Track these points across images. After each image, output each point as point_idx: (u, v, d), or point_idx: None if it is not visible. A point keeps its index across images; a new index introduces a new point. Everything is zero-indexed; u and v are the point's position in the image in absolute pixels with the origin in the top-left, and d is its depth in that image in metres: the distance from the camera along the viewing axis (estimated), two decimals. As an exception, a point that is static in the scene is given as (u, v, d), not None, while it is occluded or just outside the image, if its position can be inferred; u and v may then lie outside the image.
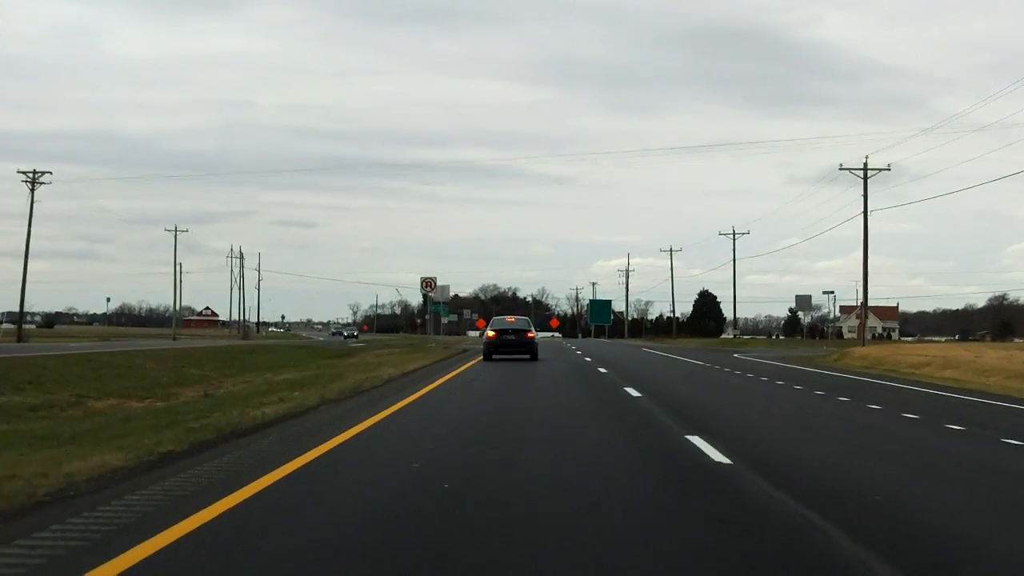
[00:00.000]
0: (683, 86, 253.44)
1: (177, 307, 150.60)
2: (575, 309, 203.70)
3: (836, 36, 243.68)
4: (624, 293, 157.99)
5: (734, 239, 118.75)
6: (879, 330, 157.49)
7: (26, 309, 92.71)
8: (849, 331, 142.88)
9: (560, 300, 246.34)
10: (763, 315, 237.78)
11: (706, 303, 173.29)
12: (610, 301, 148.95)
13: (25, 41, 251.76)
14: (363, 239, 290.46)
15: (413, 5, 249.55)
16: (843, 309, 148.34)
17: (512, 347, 43.52)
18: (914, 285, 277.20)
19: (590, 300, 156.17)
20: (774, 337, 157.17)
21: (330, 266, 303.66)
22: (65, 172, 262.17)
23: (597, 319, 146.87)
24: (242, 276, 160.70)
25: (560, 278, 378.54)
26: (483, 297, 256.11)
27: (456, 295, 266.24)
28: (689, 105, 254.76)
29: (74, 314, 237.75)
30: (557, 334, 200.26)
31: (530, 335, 44.13)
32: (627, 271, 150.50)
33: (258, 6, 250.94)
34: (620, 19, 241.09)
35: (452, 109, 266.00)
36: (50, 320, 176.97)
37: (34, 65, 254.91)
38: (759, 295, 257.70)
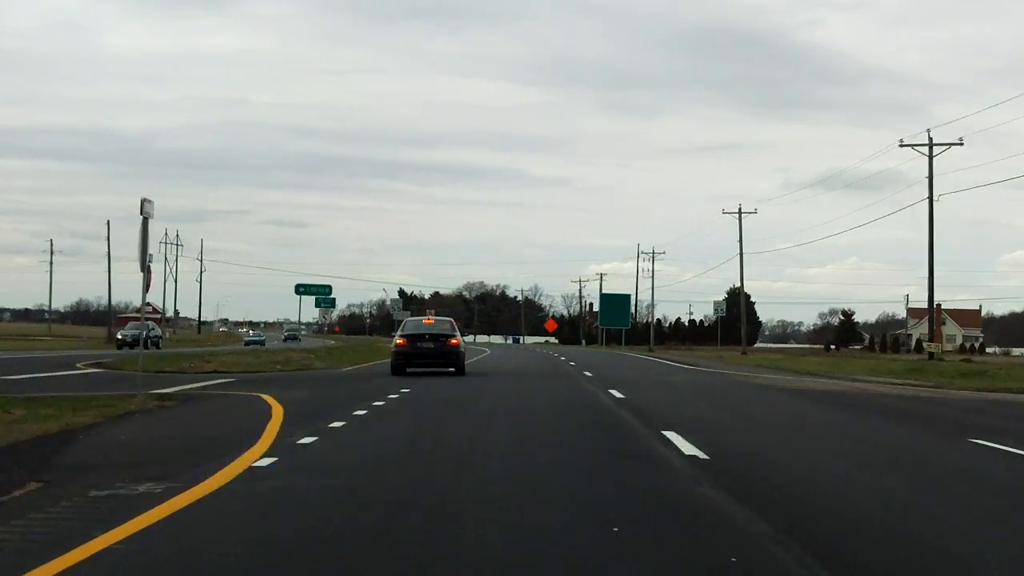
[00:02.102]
0: (682, 88, 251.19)
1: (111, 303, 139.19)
2: (578, 308, 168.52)
3: (837, 39, 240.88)
4: (633, 292, 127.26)
5: (740, 223, 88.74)
6: (959, 339, 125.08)
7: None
8: (924, 340, 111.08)
9: (555, 300, 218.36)
10: (793, 319, 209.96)
11: (737, 304, 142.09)
12: (628, 296, 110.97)
13: (19, 35, 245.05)
14: (356, 239, 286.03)
15: (412, 3, 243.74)
16: (912, 312, 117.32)
17: (429, 358, 32.44)
18: (1006, 286, 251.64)
19: (601, 295, 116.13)
20: (830, 349, 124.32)
21: (322, 267, 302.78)
22: (57, 168, 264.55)
23: (610, 320, 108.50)
24: (201, 265, 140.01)
25: (554, 280, 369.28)
26: (467, 295, 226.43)
27: (437, 293, 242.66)
28: (688, 108, 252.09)
29: (44, 311, 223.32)
30: (552, 339, 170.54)
31: (454, 341, 32.90)
32: (652, 259, 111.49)
33: (255, 2, 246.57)
34: (620, 20, 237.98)
35: (449, 109, 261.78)
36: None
37: (28, 59, 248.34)
38: (788, 294, 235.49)
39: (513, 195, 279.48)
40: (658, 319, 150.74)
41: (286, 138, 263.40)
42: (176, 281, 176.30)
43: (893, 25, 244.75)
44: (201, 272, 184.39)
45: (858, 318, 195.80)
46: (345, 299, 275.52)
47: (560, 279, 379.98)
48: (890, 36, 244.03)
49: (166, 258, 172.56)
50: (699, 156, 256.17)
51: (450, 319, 38.40)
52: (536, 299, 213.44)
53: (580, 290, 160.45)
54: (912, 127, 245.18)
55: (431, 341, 32.95)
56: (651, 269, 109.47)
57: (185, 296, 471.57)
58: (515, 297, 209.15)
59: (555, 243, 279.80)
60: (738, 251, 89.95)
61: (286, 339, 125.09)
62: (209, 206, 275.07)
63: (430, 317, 38.90)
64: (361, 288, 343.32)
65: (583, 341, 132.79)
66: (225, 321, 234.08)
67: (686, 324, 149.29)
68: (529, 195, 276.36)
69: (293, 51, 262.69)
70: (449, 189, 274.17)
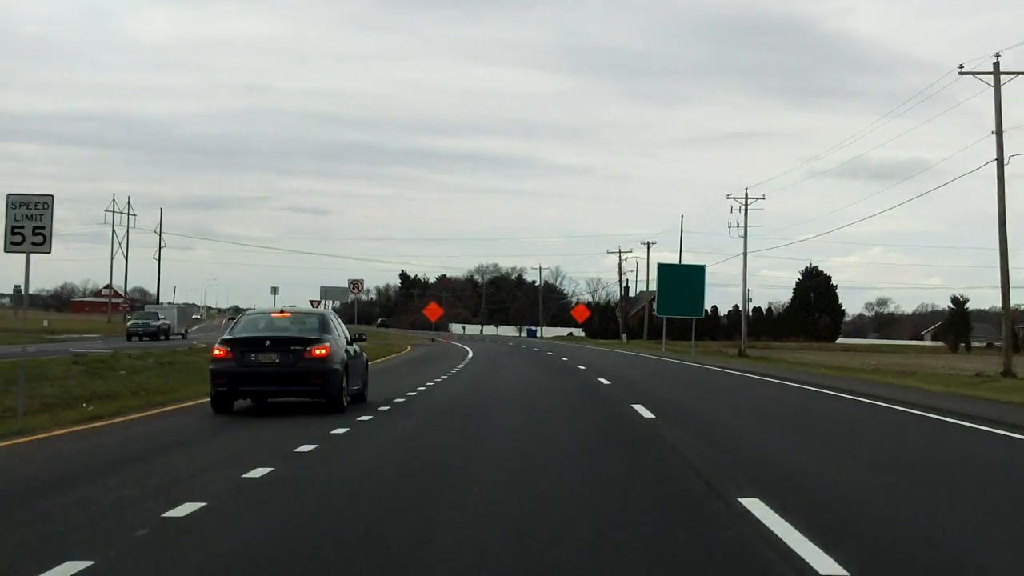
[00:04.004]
0: (708, 76, 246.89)
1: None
2: (618, 289, 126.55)
3: (867, 28, 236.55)
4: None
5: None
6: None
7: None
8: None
9: (579, 287, 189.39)
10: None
11: (815, 287, 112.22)
12: (701, 269, 71.94)
13: (44, 21, 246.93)
14: (376, 227, 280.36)
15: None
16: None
17: (272, 381, 18.83)
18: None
19: (660, 268, 73.20)
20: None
21: (342, 255, 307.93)
22: (80, 154, 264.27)
23: (673, 304, 68.55)
24: (160, 240, 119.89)
25: (576, 268, 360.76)
26: (479, 280, 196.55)
27: (443, 276, 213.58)
28: (714, 96, 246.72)
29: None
30: (576, 330, 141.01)
31: (320, 351, 18.73)
32: (745, 207, 69.71)
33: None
34: (646, 7, 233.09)
35: (472, 97, 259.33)
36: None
37: (51, 46, 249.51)
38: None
39: (535, 184, 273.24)
40: (733, 307, 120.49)
41: (307, 125, 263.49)
42: (127, 258, 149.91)
43: (924, 13, 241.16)
44: (160, 248, 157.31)
45: (895, 309, 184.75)
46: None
47: (582, 266, 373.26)
48: (921, 24, 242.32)
49: (114, 230, 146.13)
50: (724, 144, 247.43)
51: (322, 312, 22.39)
52: (558, 284, 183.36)
53: (620, 265, 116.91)
54: (940, 115, 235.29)
55: (276, 351, 18.54)
56: (743, 223, 69.21)
57: (183, 281, 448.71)
58: (533, 282, 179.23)
59: (577, 232, 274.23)
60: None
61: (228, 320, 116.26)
62: (230, 192, 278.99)
63: (287, 309, 21.91)
64: (379, 275, 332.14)
65: (624, 336, 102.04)
66: (207, 309, 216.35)
67: (754, 313, 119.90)
68: (551, 184, 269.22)
69: (315, 37, 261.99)
70: (471, 177, 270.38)
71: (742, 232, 68.83)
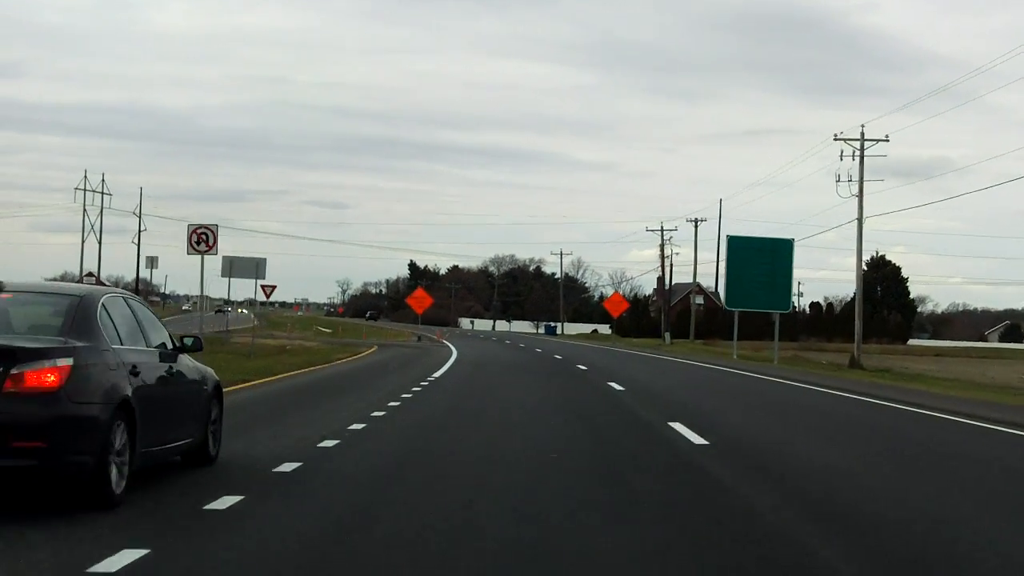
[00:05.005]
0: (730, 72, 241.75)
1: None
2: (663, 275, 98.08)
3: (892, 24, 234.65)
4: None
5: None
6: None
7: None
8: None
9: (601, 279, 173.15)
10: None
11: (883, 279, 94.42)
12: (789, 242, 52.23)
13: (63, 11, 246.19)
14: (395, 222, 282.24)
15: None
16: None
17: None
18: None
19: (730, 241, 52.95)
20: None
21: (359, 248, 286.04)
22: (98, 145, 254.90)
23: (748, 296, 51.15)
24: (140, 223, 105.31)
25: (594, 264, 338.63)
26: (495, 271, 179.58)
27: (456, 267, 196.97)
28: (736, 92, 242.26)
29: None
30: (600, 327, 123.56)
31: (42, 378, 8.08)
32: (860, 174, 49.30)
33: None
34: (669, 1, 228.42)
35: (493, 91, 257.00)
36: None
37: (72, 36, 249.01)
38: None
39: (554, 179, 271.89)
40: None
41: (327, 118, 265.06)
42: (100, 241, 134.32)
43: (950, 10, 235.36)
44: (140, 231, 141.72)
45: (933, 308, 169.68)
46: (380, 278, 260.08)
47: (602, 262, 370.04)
48: (946, 21, 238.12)
49: (85, 209, 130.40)
50: (745, 141, 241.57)
51: (82, 292, 9.75)
52: (579, 277, 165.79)
53: (662, 247, 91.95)
54: (965, 114, 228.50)
55: None
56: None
57: (185, 272, 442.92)
58: (552, 274, 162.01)
59: (597, 228, 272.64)
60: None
61: (217, 311, 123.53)
62: (249, 185, 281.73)
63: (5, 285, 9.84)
64: (395, 268, 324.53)
65: (667, 335, 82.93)
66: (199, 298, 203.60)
67: (826, 308, 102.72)
68: (571, 179, 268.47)
69: (337, 30, 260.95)
70: (490, 172, 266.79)
71: (854, 189, 49.82)
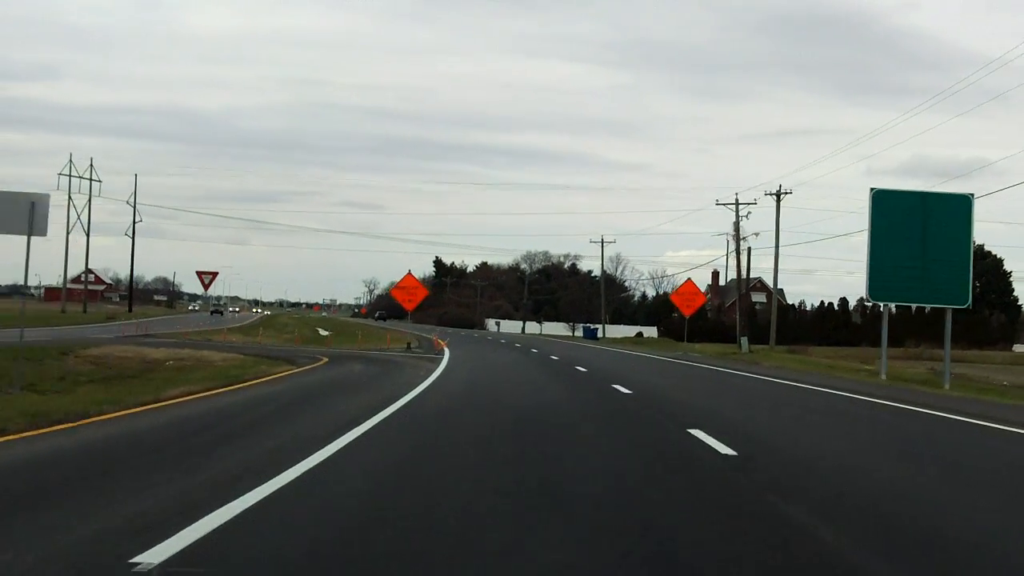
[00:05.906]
0: (766, 72, 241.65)
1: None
2: (739, 264, 75.83)
3: (931, 24, 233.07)
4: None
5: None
6: None
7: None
8: None
9: (641, 276, 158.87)
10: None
11: (984, 273, 79.45)
12: (967, 198, 34.09)
13: (100, 13, 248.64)
14: (426, 222, 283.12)
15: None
16: None
17: None
18: None
19: (877, 194, 35.06)
20: None
21: (388, 245, 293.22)
22: (132, 147, 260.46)
23: (903, 283, 34.66)
24: (135, 215, 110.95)
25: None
26: (526, 268, 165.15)
27: (484, 263, 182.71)
28: (771, 92, 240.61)
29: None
30: (646, 329, 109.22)
31: None
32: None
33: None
34: (704, 0, 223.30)
35: (527, 91, 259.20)
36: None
37: (108, 38, 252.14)
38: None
39: (588, 179, 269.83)
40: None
41: (363, 119, 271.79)
42: (88, 233, 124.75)
43: (992, 9, 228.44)
44: (134, 223, 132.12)
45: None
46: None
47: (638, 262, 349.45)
48: (989, 20, 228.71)
49: (70, 198, 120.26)
50: (781, 141, 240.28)
51: None
52: (619, 275, 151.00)
53: (737, 224, 72.68)
54: (1006, 115, 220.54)
55: None
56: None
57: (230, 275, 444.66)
58: (589, 271, 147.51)
59: (631, 229, 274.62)
60: None
61: (212, 313, 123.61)
62: (285, 186, 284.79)
63: None
64: (420, 267, 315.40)
65: (743, 341, 67.28)
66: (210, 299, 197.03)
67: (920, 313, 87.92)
68: (605, 179, 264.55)
69: (372, 31, 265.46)
70: (523, 172, 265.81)
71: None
